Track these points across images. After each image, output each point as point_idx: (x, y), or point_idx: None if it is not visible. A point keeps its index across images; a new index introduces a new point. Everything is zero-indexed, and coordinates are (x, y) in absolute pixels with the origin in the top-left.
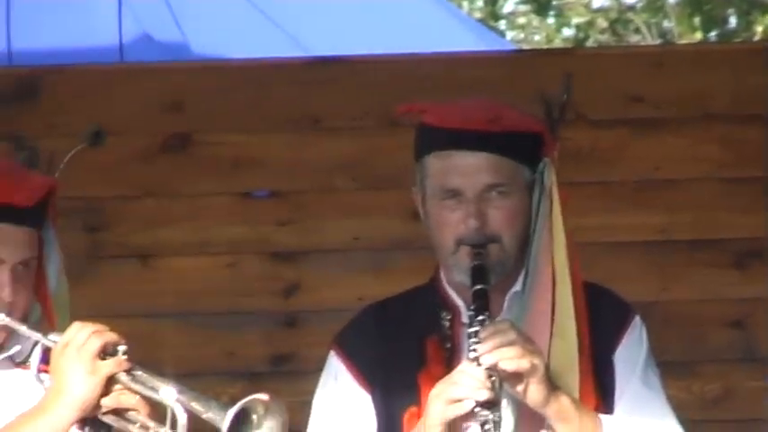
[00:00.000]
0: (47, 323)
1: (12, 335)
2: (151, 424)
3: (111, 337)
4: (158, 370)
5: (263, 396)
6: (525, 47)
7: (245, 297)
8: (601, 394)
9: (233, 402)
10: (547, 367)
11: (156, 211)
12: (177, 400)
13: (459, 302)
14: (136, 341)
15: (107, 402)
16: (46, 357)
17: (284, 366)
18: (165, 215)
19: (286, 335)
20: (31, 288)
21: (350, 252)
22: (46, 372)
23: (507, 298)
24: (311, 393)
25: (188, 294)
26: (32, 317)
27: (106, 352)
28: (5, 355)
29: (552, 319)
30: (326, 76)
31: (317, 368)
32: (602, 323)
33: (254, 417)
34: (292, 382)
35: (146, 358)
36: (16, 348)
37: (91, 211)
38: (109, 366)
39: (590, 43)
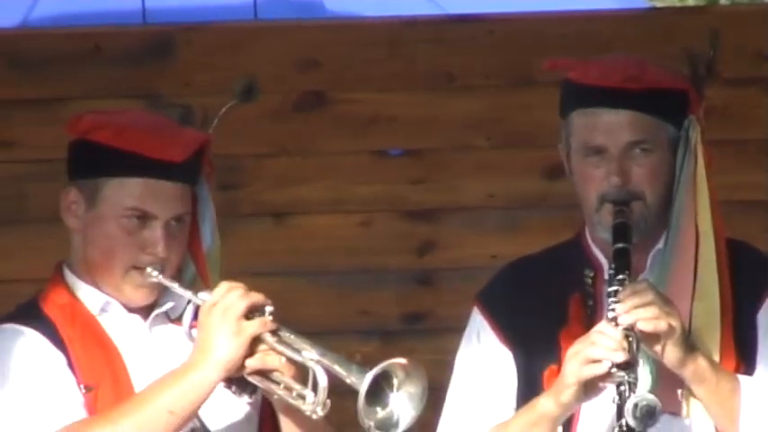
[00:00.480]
0: (201, 281)
1: (167, 291)
2: (296, 386)
3: (258, 297)
4: (291, 329)
5: (402, 360)
6: (659, 5)
7: (378, 255)
8: (742, 354)
9: (371, 364)
10: (684, 328)
11: (290, 170)
12: (319, 363)
13: (603, 260)
14: (269, 299)
15: (251, 363)
16: (197, 315)
17: (418, 325)
18: (299, 173)
19: (420, 293)
20: (184, 245)
21: (484, 210)
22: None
23: (650, 256)
24: (445, 352)
25: (321, 253)
26: (187, 274)
27: (253, 312)
28: (160, 310)
29: (695, 278)
30: (462, 35)
31: (451, 326)
32: (745, 281)
33: (395, 381)
34: (426, 340)
35: (279, 316)
36: (170, 304)
37: (226, 169)
38: (254, 327)
39: (724, 1)
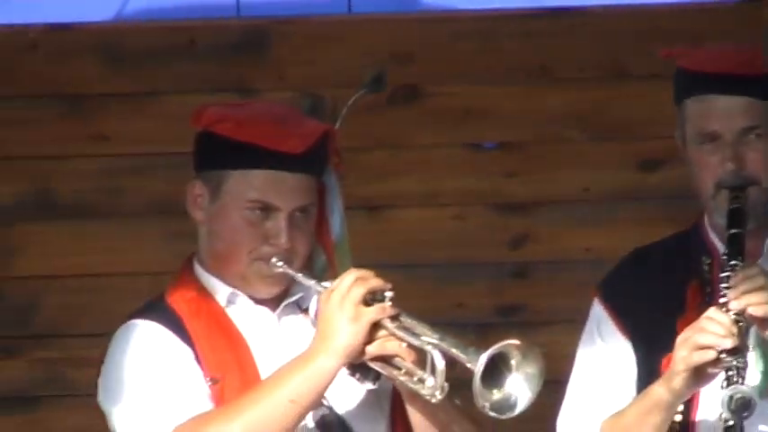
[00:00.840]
0: (331, 271)
1: (298, 281)
2: (419, 372)
3: (377, 283)
4: (411, 314)
5: (517, 341)
6: None
7: (472, 248)
8: None
9: (487, 346)
10: None
11: (384, 163)
12: (436, 347)
13: (720, 247)
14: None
15: (371, 349)
16: None
17: (513, 317)
18: (393, 166)
19: (514, 286)
20: (310, 235)
21: (578, 203)
22: None
23: (767, 242)
24: (540, 345)
25: (416, 245)
26: (317, 264)
27: (373, 298)
28: (289, 300)
29: None
30: (556, 27)
31: (546, 319)
32: None
33: (512, 362)
34: (521, 332)
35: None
36: (299, 294)
37: None
38: (372, 313)
39: None
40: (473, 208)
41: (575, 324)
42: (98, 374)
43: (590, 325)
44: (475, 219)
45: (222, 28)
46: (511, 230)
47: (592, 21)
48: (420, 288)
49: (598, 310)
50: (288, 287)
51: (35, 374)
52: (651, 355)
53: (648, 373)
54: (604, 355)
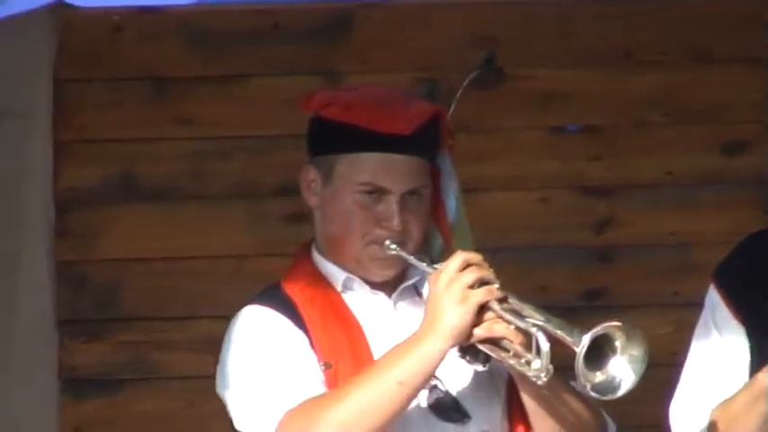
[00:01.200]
0: (448, 254)
1: (412, 264)
2: (527, 354)
3: (485, 267)
4: (518, 296)
5: (619, 323)
6: None
7: (556, 232)
8: None
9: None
10: None
11: (469, 147)
12: (542, 329)
13: None
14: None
15: (479, 332)
16: None
17: (597, 301)
18: (478, 151)
19: (598, 270)
20: (423, 218)
21: (662, 187)
22: None
23: None
24: None
25: (500, 229)
26: (435, 248)
27: (481, 282)
28: (406, 284)
29: None
30: (638, 11)
31: (630, 303)
32: None
33: (617, 344)
34: (606, 316)
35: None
36: (416, 278)
37: None
38: (480, 295)
39: None
40: (557, 191)
41: (658, 308)
42: (216, 362)
43: (705, 311)
44: (559, 202)
45: (306, 11)
46: (595, 214)
47: (675, 4)
48: (504, 271)
49: (713, 296)
50: (404, 271)
51: (118, 357)
52: (764, 343)
53: (761, 360)
54: (718, 342)
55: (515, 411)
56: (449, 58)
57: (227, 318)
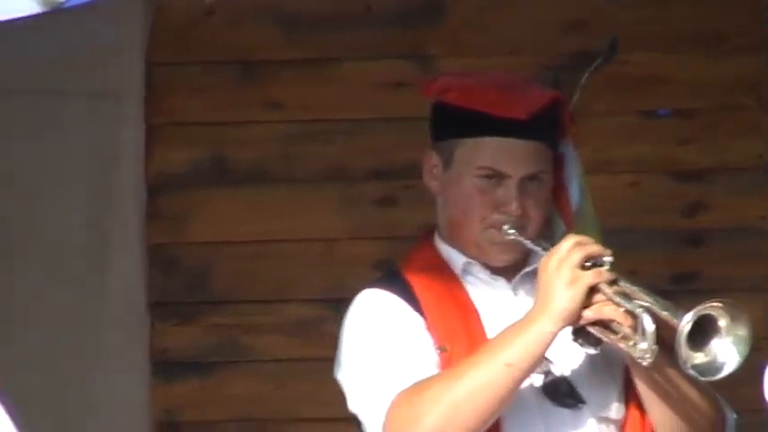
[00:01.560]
0: None
1: (532, 250)
2: (636, 337)
3: (595, 248)
4: (629, 279)
5: (718, 303)
6: None
7: (647, 215)
8: None
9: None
10: None
11: None
12: (647, 310)
13: None
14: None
15: (589, 314)
16: None
17: (688, 285)
18: None
19: (689, 254)
20: (543, 203)
21: (753, 171)
22: None
23: None
24: None
25: None
26: (557, 234)
27: (593, 263)
28: (526, 270)
29: None
30: None
31: (721, 287)
32: None
33: (721, 324)
34: (696, 300)
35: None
36: (536, 264)
37: None
38: (590, 277)
39: None
40: (648, 175)
41: (748, 292)
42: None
43: None
44: (649, 186)
45: None
46: (685, 198)
47: None
48: None
49: None
50: (526, 257)
51: (209, 340)
52: None
53: None
54: None
55: (632, 397)
56: (540, 42)
57: (316, 301)
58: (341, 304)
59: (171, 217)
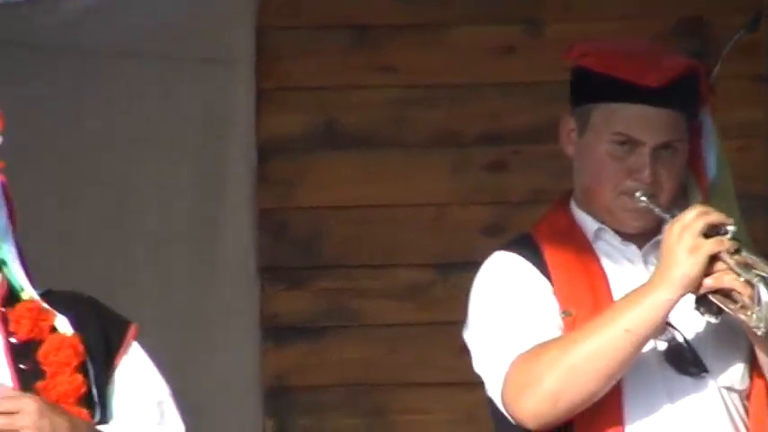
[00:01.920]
0: None
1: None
2: (754, 306)
3: (717, 217)
4: (751, 249)
5: None
6: None
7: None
8: None
9: None
10: None
11: None
12: (764, 280)
13: None
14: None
15: (709, 282)
16: None
17: None
18: None
19: None
20: (676, 172)
21: None
22: None
23: None
24: None
25: None
26: (692, 203)
27: (717, 232)
28: (658, 238)
29: None
30: None
31: None
32: None
33: None
34: None
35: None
36: None
37: None
38: (711, 245)
39: None
40: (757, 140)
41: None
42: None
43: None
44: (761, 151)
45: None
46: None
47: None
48: None
49: None
50: (658, 225)
51: (319, 305)
52: None
53: None
54: None
55: (756, 367)
56: (651, 8)
57: (427, 266)
58: (450, 269)
59: (281, 182)
